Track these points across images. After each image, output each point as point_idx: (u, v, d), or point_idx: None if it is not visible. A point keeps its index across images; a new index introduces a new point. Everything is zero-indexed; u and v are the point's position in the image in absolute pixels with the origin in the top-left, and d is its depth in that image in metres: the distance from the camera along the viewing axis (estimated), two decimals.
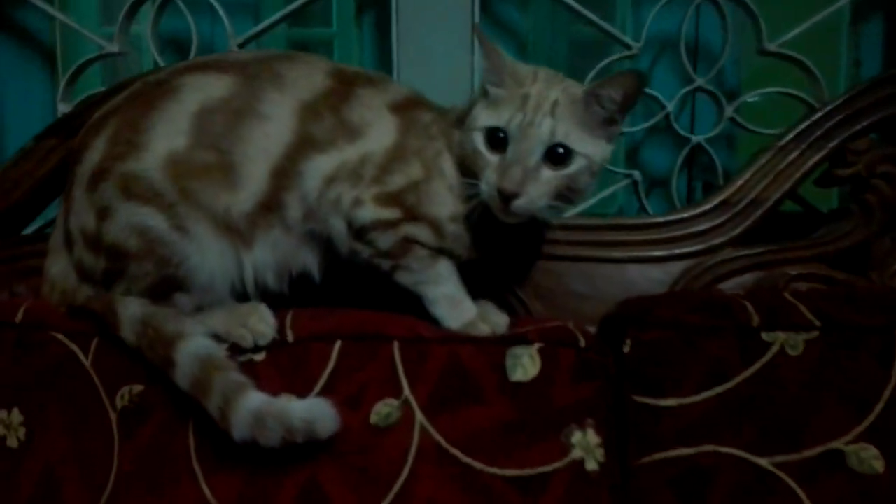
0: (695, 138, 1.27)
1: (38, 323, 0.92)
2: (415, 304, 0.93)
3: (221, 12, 1.27)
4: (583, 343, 0.89)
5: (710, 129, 1.28)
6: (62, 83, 1.31)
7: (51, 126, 1.11)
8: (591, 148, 0.84)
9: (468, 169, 0.87)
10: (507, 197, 0.82)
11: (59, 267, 0.96)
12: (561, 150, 0.83)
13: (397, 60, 1.26)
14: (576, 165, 0.84)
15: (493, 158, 0.84)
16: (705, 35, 1.36)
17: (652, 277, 1.04)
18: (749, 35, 1.28)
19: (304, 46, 1.51)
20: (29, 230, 1.18)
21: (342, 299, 0.97)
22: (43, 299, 0.97)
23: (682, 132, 1.27)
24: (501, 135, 0.83)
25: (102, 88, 1.20)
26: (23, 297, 1.04)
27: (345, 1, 1.47)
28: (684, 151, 1.27)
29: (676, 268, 1.05)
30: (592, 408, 0.87)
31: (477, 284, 0.95)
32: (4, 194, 1.11)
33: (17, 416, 0.90)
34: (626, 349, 0.88)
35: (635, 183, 1.27)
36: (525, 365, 0.87)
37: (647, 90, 1.24)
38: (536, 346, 0.88)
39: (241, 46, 1.28)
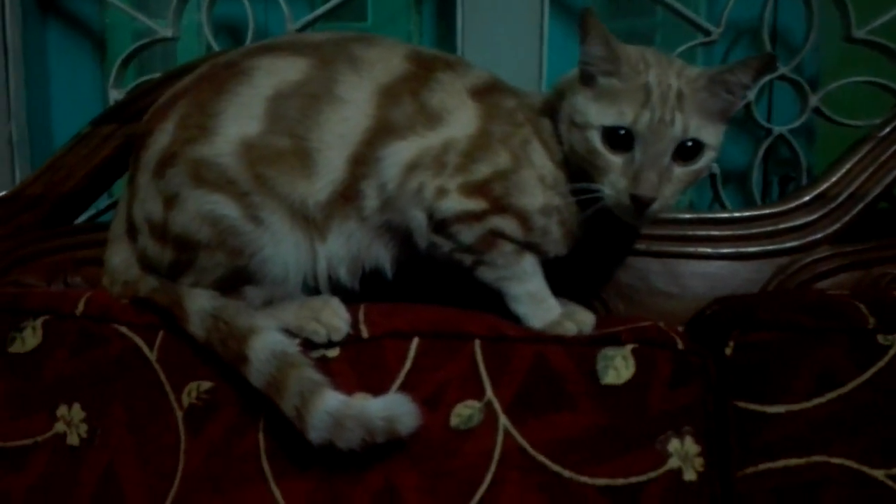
0: (776, 129, 1.20)
1: (100, 315, 0.88)
2: (491, 304, 0.88)
3: None
4: (681, 345, 0.83)
5: (790, 120, 1.21)
6: (115, 68, 1.27)
7: (108, 111, 1.07)
8: (715, 137, 0.79)
9: (575, 167, 0.82)
10: (642, 204, 0.76)
11: (121, 257, 0.91)
12: (690, 145, 0.78)
13: (461, 49, 1.21)
14: (705, 159, 0.79)
15: (615, 160, 0.78)
16: (784, 21, 1.29)
17: (742, 276, 0.98)
18: (830, 21, 1.21)
19: None
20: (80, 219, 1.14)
21: (412, 297, 0.92)
22: (103, 291, 0.92)
23: (763, 123, 1.20)
24: (623, 132, 0.77)
25: (152, 75, 1.16)
26: (80, 289, 1.00)
27: None
28: (765, 144, 1.20)
29: (769, 266, 0.98)
30: (691, 414, 0.82)
31: (555, 282, 0.89)
32: (59, 182, 1.07)
33: (78, 411, 0.86)
34: (729, 351, 0.82)
35: (712, 176, 1.20)
36: (618, 367, 0.82)
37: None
38: (630, 347, 0.82)
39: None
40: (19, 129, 1.30)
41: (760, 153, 1.21)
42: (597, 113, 0.79)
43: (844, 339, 0.80)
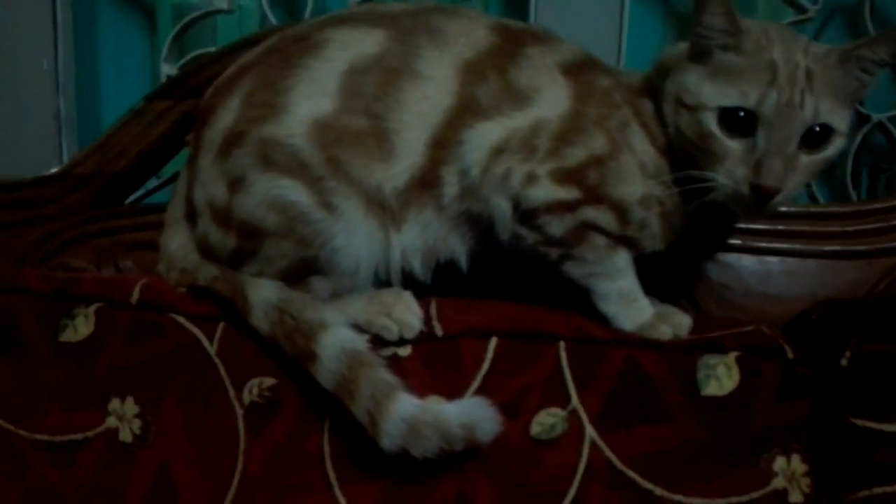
0: (876, 116, 1.11)
1: (156, 303, 0.82)
2: (572, 303, 0.81)
3: None
4: (790, 353, 0.75)
5: (884, 108, 1.12)
6: (167, 42, 1.21)
7: (162, 86, 1.01)
8: (845, 121, 0.71)
9: (682, 152, 0.74)
10: (765, 196, 0.69)
11: (178, 242, 0.86)
12: (819, 130, 0.70)
13: (534, 19, 1.13)
14: (834, 146, 0.71)
15: (734, 146, 0.70)
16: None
17: (846, 277, 0.90)
18: None
19: None
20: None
21: (487, 293, 0.85)
22: (158, 277, 0.87)
23: (861, 110, 1.11)
24: (742, 114, 0.69)
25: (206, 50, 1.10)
26: (133, 274, 0.94)
27: None
28: (863, 131, 1.11)
29: (877, 266, 0.90)
30: (799, 430, 0.74)
31: (641, 277, 0.82)
32: (111, 160, 1.02)
33: (131, 406, 0.81)
34: (845, 362, 0.74)
35: None
36: (720, 376, 0.74)
37: None
38: (734, 354, 0.75)
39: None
40: (67, 104, 1.26)
41: (857, 142, 1.11)
42: (713, 92, 0.71)
43: None
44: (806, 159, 0.70)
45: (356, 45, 0.77)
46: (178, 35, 1.22)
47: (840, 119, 0.70)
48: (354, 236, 0.75)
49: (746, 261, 0.92)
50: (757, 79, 0.69)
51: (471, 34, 0.78)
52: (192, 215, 0.83)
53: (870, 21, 1.09)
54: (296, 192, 0.74)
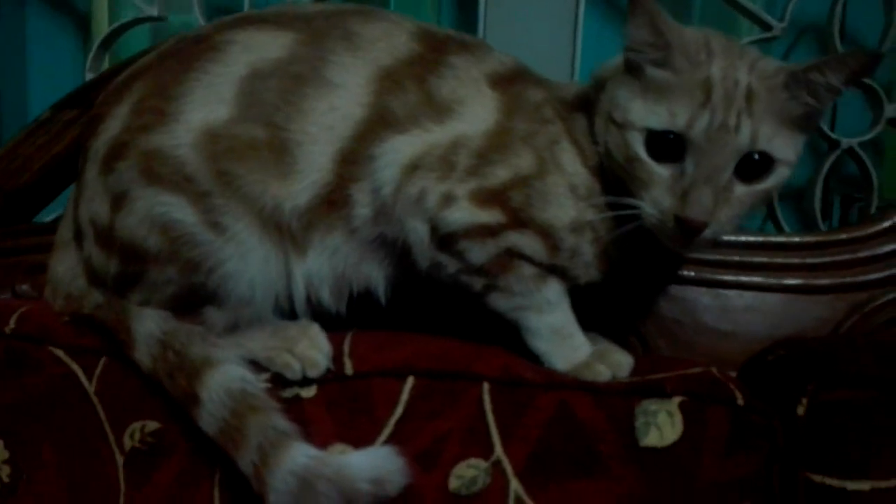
0: (845, 142, 1.03)
1: (33, 334, 0.73)
2: (507, 335, 0.72)
3: None
4: (740, 399, 0.67)
5: (855, 132, 1.04)
6: (93, 50, 1.13)
7: (71, 94, 0.92)
8: (791, 150, 0.63)
9: (612, 174, 0.66)
10: (691, 230, 0.61)
11: (65, 265, 0.77)
12: (758, 158, 0.61)
13: (483, 27, 1.06)
14: (775, 176, 0.63)
15: (661, 172, 0.62)
16: (855, 17, 1.13)
17: (810, 313, 0.82)
18: None
19: None
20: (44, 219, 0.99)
21: (411, 324, 0.76)
22: (44, 304, 0.78)
23: (830, 134, 1.03)
24: (672, 137, 0.61)
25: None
26: (23, 300, 0.85)
27: None
28: (832, 157, 1.04)
29: (844, 302, 0.81)
30: (751, 487, 0.66)
31: (581, 311, 0.74)
32: (13, 173, 0.93)
33: (1, 450, 0.71)
34: (802, 411, 0.65)
35: None
36: (661, 425, 0.66)
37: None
38: (677, 400, 0.66)
39: None
40: None
41: (825, 169, 1.04)
42: (642, 111, 0.63)
43: None
44: (742, 190, 0.62)
45: (260, 48, 0.69)
46: (107, 44, 1.14)
47: (784, 147, 0.62)
48: (248, 261, 0.67)
49: (700, 294, 0.83)
50: (688, 98, 0.61)
51: (390, 39, 0.70)
52: (79, 236, 0.74)
53: (839, 41, 1.02)
54: (180, 210, 0.65)
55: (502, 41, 1.02)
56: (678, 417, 0.66)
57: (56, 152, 0.93)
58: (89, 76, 1.12)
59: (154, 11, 1.11)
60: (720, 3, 1.05)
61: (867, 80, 1.02)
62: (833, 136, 1.04)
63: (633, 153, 0.63)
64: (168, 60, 0.71)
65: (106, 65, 1.16)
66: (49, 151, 0.93)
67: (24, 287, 0.91)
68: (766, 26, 1.03)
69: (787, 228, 1.02)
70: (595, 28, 1.08)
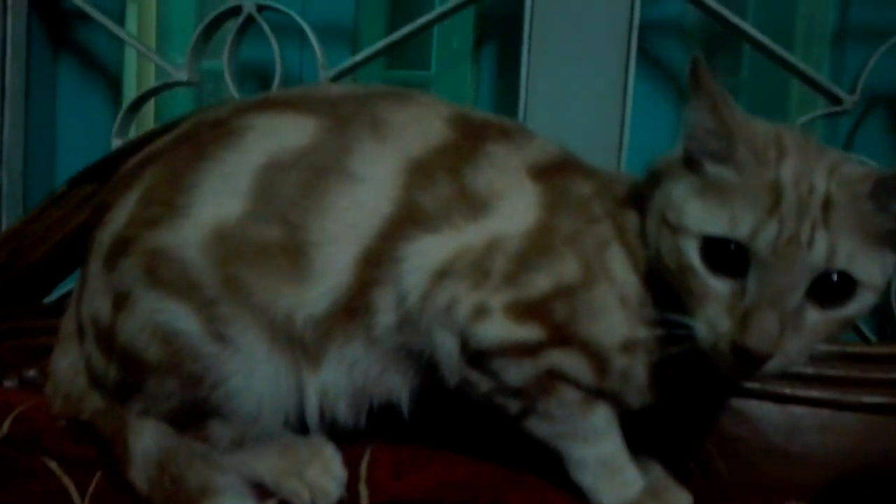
0: None
1: (27, 441, 0.67)
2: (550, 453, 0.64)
3: (312, 37, 1.03)
4: None
5: None
6: (120, 115, 1.09)
7: (87, 169, 0.88)
8: (878, 271, 0.53)
9: (664, 285, 0.57)
10: (751, 361, 0.51)
11: (68, 360, 0.71)
12: (836, 280, 0.52)
13: (524, 106, 0.99)
14: (858, 303, 0.53)
15: (719, 288, 0.53)
16: None
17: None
18: None
19: None
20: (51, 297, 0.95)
21: (439, 433, 0.68)
22: (43, 403, 0.72)
23: None
24: (734, 248, 0.53)
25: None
26: (25, 393, 0.80)
27: (451, 37, 1.21)
28: None
29: None
30: None
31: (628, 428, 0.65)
32: (27, 249, 0.89)
33: None
34: None
35: None
36: None
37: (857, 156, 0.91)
38: None
39: (333, 81, 1.04)
40: (11, 179, 1.14)
41: None
42: (699, 214, 0.54)
43: None
44: (816, 317, 0.53)
45: (280, 135, 0.63)
46: (135, 108, 1.10)
47: (868, 267, 0.52)
48: (255, 377, 0.60)
49: (768, 410, 0.73)
50: (754, 203, 0.52)
51: (422, 126, 0.64)
52: (81, 331, 0.69)
53: None
54: (183, 319, 0.59)
55: (544, 118, 0.97)
56: None
57: (70, 229, 0.88)
58: (116, 142, 1.08)
59: (183, 76, 1.07)
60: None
61: None
62: None
63: (686, 262, 0.54)
64: (183, 146, 0.65)
65: (133, 130, 1.12)
66: (64, 227, 0.88)
67: (32, 372, 0.85)
68: (836, 100, 0.94)
69: (869, 335, 0.91)
70: (645, 105, 1.00)
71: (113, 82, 1.25)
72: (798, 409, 0.73)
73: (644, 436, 0.67)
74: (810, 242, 0.51)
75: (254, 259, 0.59)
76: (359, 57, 1.03)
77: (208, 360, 0.59)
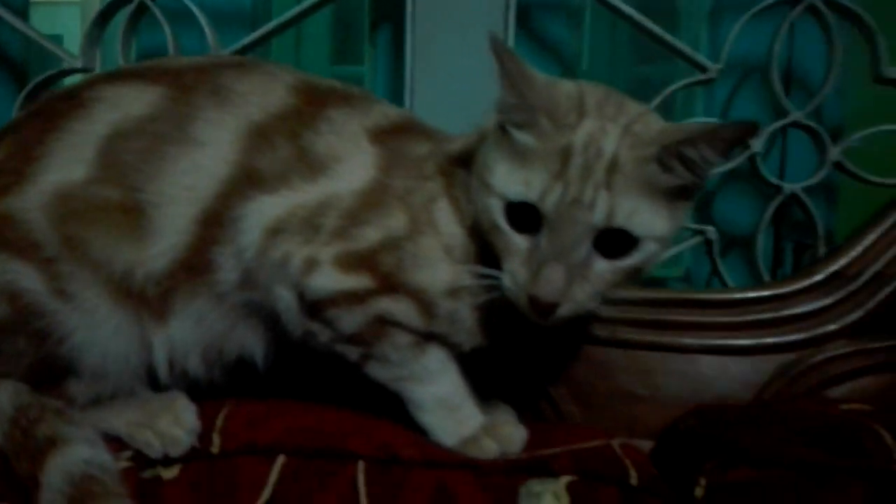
0: (789, 187, 0.98)
1: None
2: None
3: (203, 21, 1.05)
4: (634, 479, 0.61)
5: (807, 176, 0.99)
6: (17, 103, 1.10)
7: None
8: (662, 224, 0.57)
9: (483, 235, 0.61)
10: (543, 309, 0.56)
11: None
12: (618, 235, 0.56)
13: (410, 81, 1.02)
14: (642, 253, 0.57)
15: (519, 243, 0.58)
16: (800, 58, 1.08)
17: (734, 375, 0.76)
18: (856, 58, 1.00)
19: None
20: None
21: (301, 387, 0.72)
22: None
23: (771, 179, 0.98)
24: (528, 208, 0.57)
25: None
26: None
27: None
28: (774, 203, 0.98)
29: (769, 364, 0.76)
30: None
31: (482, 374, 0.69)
32: None
33: None
34: (700, 492, 0.60)
35: (708, 242, 0.98)
36: None
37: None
38: (564, 480, 0.61)
39: None
40: None
41: (768, 216, 0.98)
42: (503, 176, 0.58)
43: (860, 488, 0.57)
44: (604, 266, 0.57)
45: (126, 104, 0.66)
46: (33, 95, 1.11)
47: (650, 222, 0.56)
48: (98, 331, 0.62)
49: (616, 355, 0.78)
50: (545, 167, 0.56)
51: (265, 94, 0.67)
52: None
53: (779, 82, 0.97)
54: (27, 278, 0.61)
55: (430, 94, 1.00)
56: (565, 499, 0.60)
57: None
58: None
59: (79, 63, 1.09)
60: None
61: (810, 122, 0.97)
62: (775, 181, 0.99)
63: (493, 220, 0.58)
64: (36, 118, 0.68)
65: None
66: None
67: None
68: (702, 68, 0.98)
69: (729, 280, 0.96)
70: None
71: (18, 73, 1.26)
72: (645, 355, 0.77)
73: (494, 380, 0.71)
74: (592, 204, 0.55)
75: (92, 219, 0.62)
76: (247, 40, 1.06)
77: (52, 316, 0.62)
